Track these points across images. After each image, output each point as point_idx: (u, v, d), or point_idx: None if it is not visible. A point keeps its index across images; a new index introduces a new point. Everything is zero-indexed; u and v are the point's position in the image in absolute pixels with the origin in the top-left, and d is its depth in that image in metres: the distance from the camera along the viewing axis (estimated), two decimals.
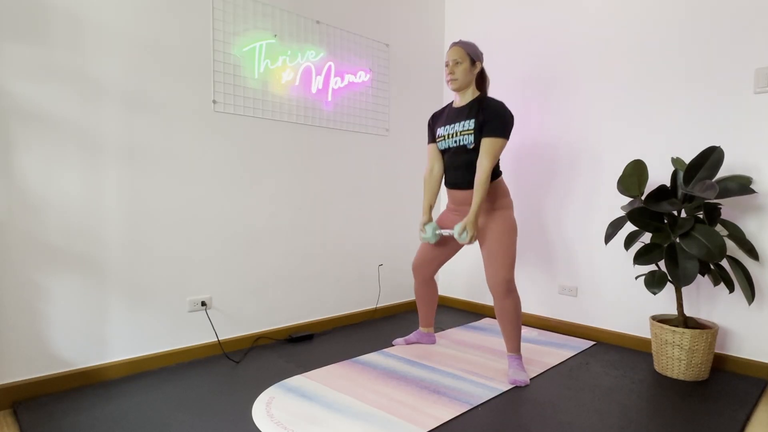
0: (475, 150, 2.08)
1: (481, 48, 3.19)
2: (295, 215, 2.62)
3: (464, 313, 3.22)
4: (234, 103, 2.33)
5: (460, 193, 2.18)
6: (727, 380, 2.07)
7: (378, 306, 3.10)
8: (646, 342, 2.46)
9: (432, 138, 2.27)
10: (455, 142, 2.12)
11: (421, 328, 2.52)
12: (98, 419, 1.64)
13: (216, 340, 2.32)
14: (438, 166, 2.26)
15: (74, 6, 1.86)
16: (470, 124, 2.06)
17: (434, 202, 2.29)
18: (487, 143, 2.01)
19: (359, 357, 2.28)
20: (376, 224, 3.05)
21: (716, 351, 2.24)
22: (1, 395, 1.75)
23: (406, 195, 3.24)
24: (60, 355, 1.89)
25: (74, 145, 1.88)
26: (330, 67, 2.70)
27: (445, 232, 2.18)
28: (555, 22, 2.80)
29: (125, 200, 2.02)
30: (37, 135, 1.80)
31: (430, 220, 2.25)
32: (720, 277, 2.03)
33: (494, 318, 3.09)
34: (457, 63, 2.09)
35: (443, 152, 2.22)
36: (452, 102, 2.23)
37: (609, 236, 2.24)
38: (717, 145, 2.22)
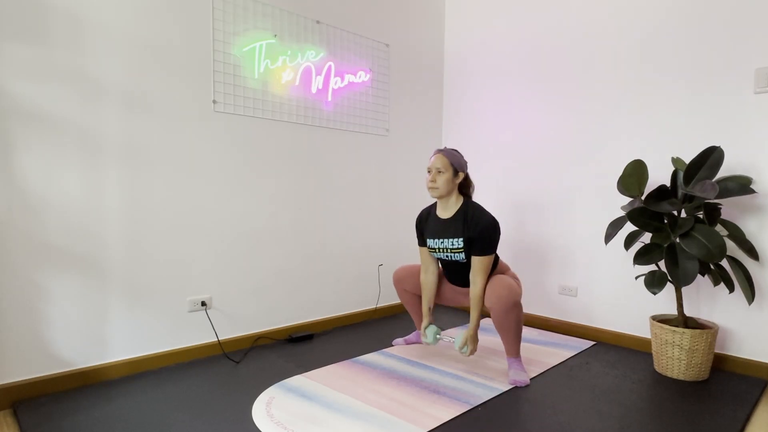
0: (469, 262, 2.10)
1: (481, 48, 3.19)
2: (295, 215, 2.62)
3: (464, 313, 3.22)
4: (234, 103, 2.33)
5: (461, 288, 2.25)
6: (727, 380, 2.07)
7: (378, 306, 3.10)
8: (646, 342, 2.46)
9: (422, 242, 2.26)
10: (447, 257, 2.14)
11: (419, 330, 2.52)
12: (98, 419, 1.64)
13: (216, 340, 2.32)
14: (432, 268, 2.26)
15: (74, 6, 1.86)
16: (459, 242, 2.07)
17: (433, 303, 2.29)
18: (477, 261, 2.03)
19: (359, 357, 2.28)
20: (376, 224, 3.05)
21: (716, 351, 2.24)
22: (1, 395, 1.75)
23: (406, 195, 3.24)
24: (60, 355, 1.89)
25: (74, 145, 1.88)
26: (330, 67, 2.70)
27: (446, 339, 2.23)
28: (555, 22, 2.80)
29: (125, 200, 2.02)
30: (37, 135, 1.80)
31: (431, 322, 2.24)
32: (720, 277, 2.03)
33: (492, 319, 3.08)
34: (440, 172, 2.09)
35: (438, 258, 2.22)
36: (436, 206, 2.21)
37: (609, 236, 2.24)
38: (717, 145, 2.22)
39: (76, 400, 1.79)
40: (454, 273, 2.20)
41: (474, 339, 2.04)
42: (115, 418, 1.65)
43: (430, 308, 2.25)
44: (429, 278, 2.26)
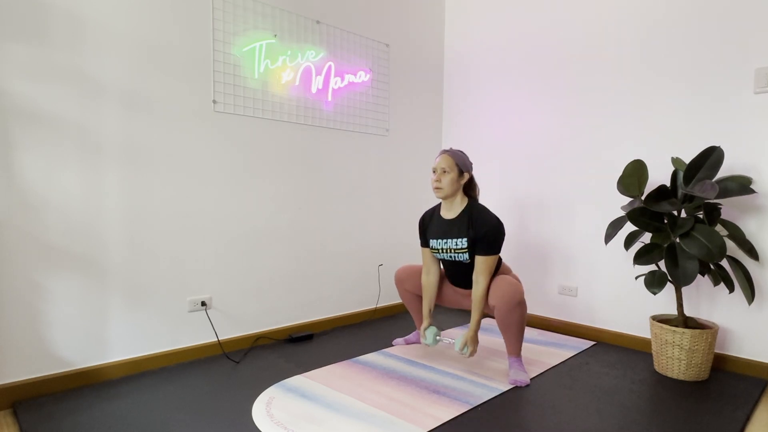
0: (472, 263, 2.09)
1: (481, 48, 3.19)
2: (295, 215, 2.62)
3: (464, 313, 3.22)
4: (234, 103, 2.33)
5: (462, 290, 2.24)
6: (727, 380, 2.07)
7: (378, 306, 3.10)
8: (646, 342, 2.46)
9: (425, 242, 2.26)
10: (450, 257, 2.13)
11: (419, 330, 2.52)
12: (98, 419, 1.64)
13: (216, 340, 2.32)
14: (434, 269, 2.26)
15: (74, 6, 1.86)
16: (463, 242, 2.05)
17: (433, 305, 2.29)
18: (481, 261, 2.02)
19: (359, 357, 2.28)
20: (376, 224, 3.05)
21: (716, 351, 2.24)
22: (1, 395, 1.75)
23: (406, 195, 3.24)
24: (60, 355, 1.89)
25: (74, 145, 1.88)
26: (330, 67, 2.70)
27: (446, 341, 2.22)
28: (554, 22, 2.80)
29: (125, 200, 2.02)
30: (37, 135, 1.80)
31: (431, 324, 2.23)
32: (720, 277, 2.03)
33: (495, 318, 3.09)
34: (445, 172, 2.08)
35: (440, 259, 2.21)
36: (440, 206, 2.20)
37: (609, 236, 2.24)
38: (717, 145, 2.22)
39: (76, 400, 1.79)
40: (456, 274, 2.20)
41: (474, 340, 2.04)
42: (115, 418, 1.65)
43: (430, 310, 2.25)
44: (430, 280, 2.25)
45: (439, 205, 2.22)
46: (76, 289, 1.91)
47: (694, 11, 2.28)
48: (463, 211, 2.10)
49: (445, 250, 2.14)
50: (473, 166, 2.24)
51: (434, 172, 2.12)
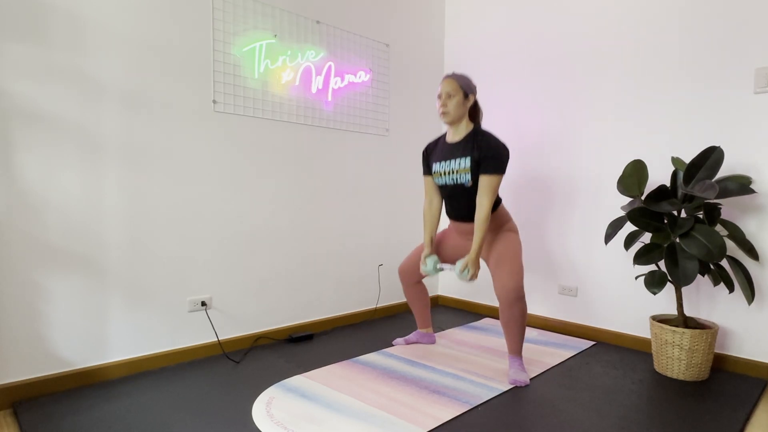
0: (474, 187, 2.06)
1: (480, 48, 3.19)
2: (295, 215, 2.62)
3: (464, 313, 3.22)
4: (234, 103, 2.33)
5: (463, 225, 2.19)
6: (727, 380, 2.07)
7: (378, 306, 3.10)
8: (646, 342, 2.46)
9: (428, 170, 2.24)
10: (453, 180, 2.09)
11: (419, 329, 2.52)
12: (98, 419, 1.64)
13: (216, 340, 2.32)
14: (437, 199, 2.24)
15: (74, 6, 1.86)
16: (466, 162, 2.03)
17: (435, 234, 2.28)
18: (485, 181, 2.00)
19: (359, 357, 2.28)
20: (376, 224, 3.05)
21: (716, 351, 2.24)
22: (1, 395, 1.75)
23: (406, 195, 3.24)
24: (60, 355, 1.89)
25: (74, 145, 1.88)
26: (330, 67, 2.70)
27: (446, 267, 2.19)
28: (554, 22, 2.80)
29: (125, 200, 2.02)
30: (37, 135, 1.80)
31: (431, 253, 2.23)
32: (720, 277, 2.03)
33: (494, 318, 3.09)
34: (450, 96, 2.05)
35: (441, 187, 2.18)
36: (445, 134, 2.19)
37: (609, 236, 2.24)
38: (717, 145, 2.22)
39: (76, 400, 1.79)
40: (458, 201, 2.13)
41: (475, 263, 2.00)
42: (115, 418, 1.65)
43: (432, 238, 2.24)
44: (433, 208, 2.24)
45: (444, 134, 2.20)
46: (76, 289, 1.91)
47: (694, 11, 2.28)
48: (468, 134, 2.08)
49: (447, 173, 2.09)
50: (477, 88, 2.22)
51: (439, 97, 2.08)
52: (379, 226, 3.08)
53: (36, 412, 1.69)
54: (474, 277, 2.02)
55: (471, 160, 2.02)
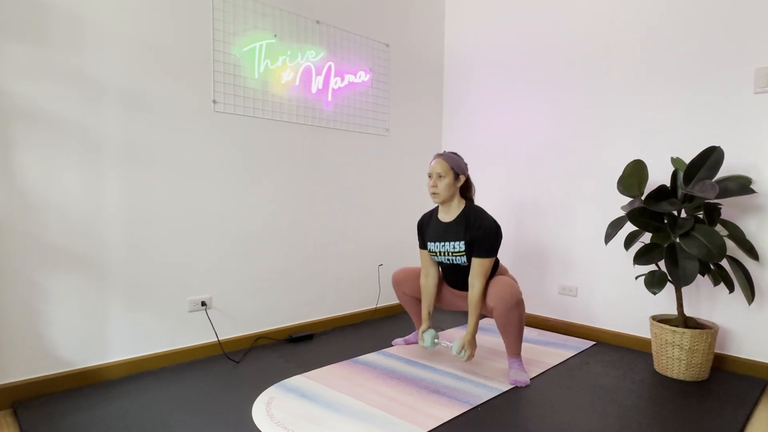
0: (470, 265, 2.08)
1: (481, 48, 3.19)
2: (295, 215, 2.62)
3: (464, 313, 3.22)
4: (234, 103, 2.33)
5: (459, 292, 2.24)
6: (727, 380, 2.07)
7: (378, 306, 3.10)
8: (646, 342, 2.46)
9: (423, 244, 2.26)
10: (448, 260, 2.13)
11: (419, 330, 2.52)
12: (98, 419, 1.64)
13: (216, 340, 2.32)
14: (433, 272, 2.25)
15: (74, 6, 1.86)
16: (461, 245, 2.06)
17: (432, 308, 2.29)
18: (477, 264, 2.02)
19: (359, 357, 2.28)
20: (376, 224, 3.05)
21: (716, 351, 2.24)
22: (1, 395, 1.75)
23: (406, 195, 3.24)
24: (60, 355, 1.89)
25: (74, 145, 1.88)
26: (330, 67, 2.70)
27: (444, 344, 2.22)
28: (554, 22, 2.80)
29: (125, 200, 2.02)
30: (37, 135, 1.80)
31: (429, 327, 2.23)
32: (720, 277, 2.03)
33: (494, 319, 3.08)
34: (441, 177, 2.08)
35: (438, 262, 2.21)
36: (437, 210, 2.20)
37: (609, 236, 2.24)
38: (717, 145, 2.21)
39: (76, 400, 1.79)
40: (455, 277, 2.19)
41: (471, 344, 2.04)
42: (115, 418, 1.65)
43: (429, 313, 2.24)
44: (429, 282, 2.25)
45: (437, 207, 2.22)
46: (76, 289, 1.91)
47: (694, 11, 2.28)
48: (460, 213, 2.10)
49: (442, 253, 2.13)
50: (468, 166, 2.24)
51: (430, 177, 2.12)
52: (379, 226, 3.08)
53: (36, 412, 1.69)
54: (470, 358, 2.05)
55: (465, 243, 2.05)
